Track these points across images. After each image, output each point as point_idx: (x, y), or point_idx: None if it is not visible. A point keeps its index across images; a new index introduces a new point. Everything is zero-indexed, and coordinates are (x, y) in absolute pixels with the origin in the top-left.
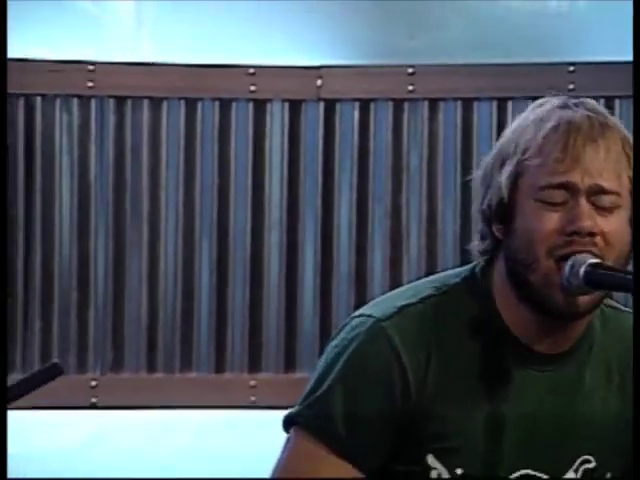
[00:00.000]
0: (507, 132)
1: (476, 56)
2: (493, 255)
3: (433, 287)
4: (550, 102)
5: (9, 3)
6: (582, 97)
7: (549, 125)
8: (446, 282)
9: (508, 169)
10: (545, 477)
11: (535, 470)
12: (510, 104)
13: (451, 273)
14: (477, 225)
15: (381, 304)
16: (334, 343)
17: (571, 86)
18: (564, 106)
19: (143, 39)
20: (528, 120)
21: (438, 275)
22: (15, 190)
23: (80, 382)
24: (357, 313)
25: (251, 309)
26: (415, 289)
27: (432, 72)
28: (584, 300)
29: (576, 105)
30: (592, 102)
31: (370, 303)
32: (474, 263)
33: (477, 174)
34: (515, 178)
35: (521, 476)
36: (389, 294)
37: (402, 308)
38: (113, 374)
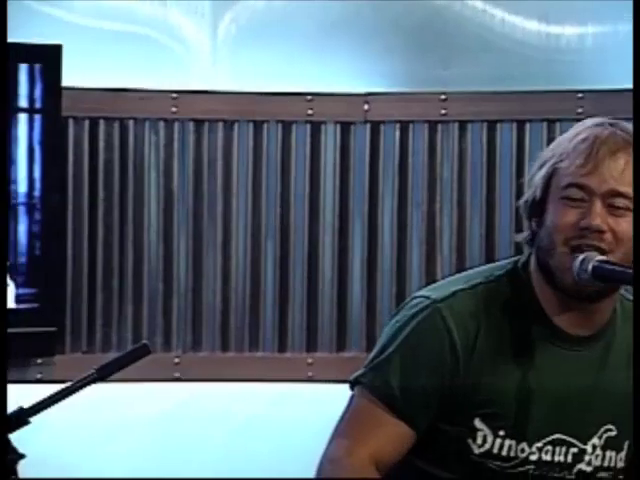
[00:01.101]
0: (552, 144)
1: (499, 85)
2: (530, 252)
3: (482, 276)
4: (589, 121)
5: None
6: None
7: (580, 137)
8: (493, 272)
9: (544, 171)
10: (574, 441)
11: (565, 435)
12: (528, 125)
13: (497, 265)
14: (504, 221)
15: (438, 288)
16: (396, 318)
17: (579, 110)
18: (599, 124)
19: (217, 71)
20: (568, 134)
21: (487, 266)
22: (111, 199)
23: (165, 360)
24: (417, 294)
25: (308, 298)
26: (467, 277)
27: (461, 98)
28: (591, 287)
29: (610, 124)
30: (625, 123)
31: (429, 287)
32: (516, 257)
33: (526, 178)
34: (548, 179)
35: (553, 439)
36: (445, 280)
37: (455, 292)
38: (192, 353)
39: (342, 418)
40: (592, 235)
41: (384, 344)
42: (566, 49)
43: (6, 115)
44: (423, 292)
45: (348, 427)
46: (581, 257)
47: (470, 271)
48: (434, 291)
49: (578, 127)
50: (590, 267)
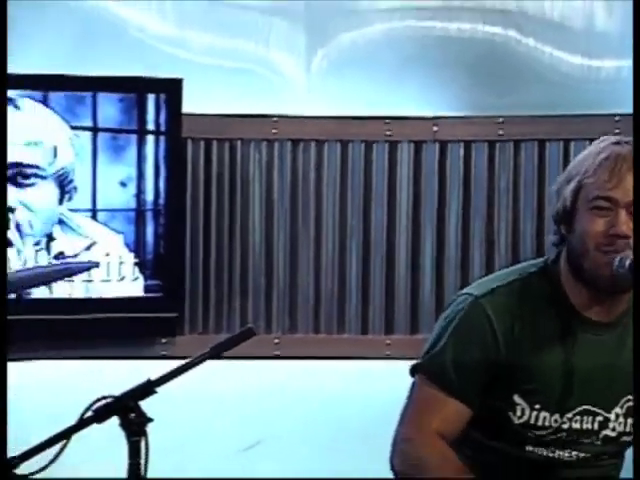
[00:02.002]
0: (575, 160)
1: (548, 109)
2: (560, 250)
3: (517, 273)
4: (608, 140)
5: None
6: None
7: (603, 155)
8: (527, 270)
9: (572, 185)
10: (599, 411)
11: (591, 406)
12: (572, 144)
13: (530, 263)
14: (550, 225)
15: (479, 285)
16: (446, 314)
17: (617, 130)
18: (617, 143)
19: (311, 99)
20: (590, 152)
21: (521, 265)
22: (222, 206)
23: (267, 340)
24: (462, 292)
25: (386, 289)
26: (504, 275)
27: (516, 121)
28: (625, 281)
29: (627, 142)
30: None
31: (472, 284)
32: (546, 257)
33: (552, 189)
34: (576, 192)
35: (582, 410)
36: (485, 278)
37: (494, 289)
38: (290, 334)
39: (407, 404)
40: (619, 241)
41: (437, 336)
42: (605, 79)
43: (6, 114)
44: (467, 289)
45: (414, 410)
46: (618, 257)
47: (507, 269)
48: (476, 288)
49: (598, 145)
50: (627, 263)
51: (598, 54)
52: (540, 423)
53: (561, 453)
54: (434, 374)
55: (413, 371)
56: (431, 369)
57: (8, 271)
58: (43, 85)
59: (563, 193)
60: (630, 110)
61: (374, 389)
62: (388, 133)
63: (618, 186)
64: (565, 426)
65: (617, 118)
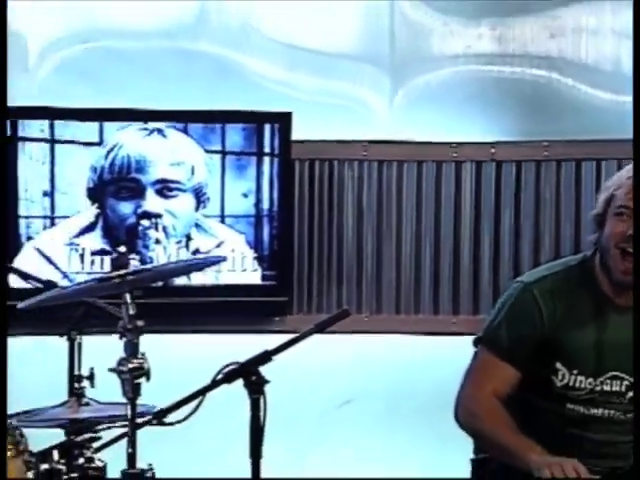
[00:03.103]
0: (611, 178)
1: (583, 135)
2: (596, 247)
3: (561, 265)
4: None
5: None
6: None
7: (629, 174)
8: (568, 263)
9: (604, 196)
10: (625, 376)
11: (619, 372)
12: (603, 164)
13: (571, 258)
14: (587, 229)
15: (529, 275)
16: (503, 298)
17: None
18: None
19: (394, 127)
20: (621, 171)
21: (564, 259)
22: (322, 213)
23: (358, 319)
24: (515, 280)
25: (453, 279)
26: (550, 266)
27: (557, 145)
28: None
29: None
30: None
31: (525, 274)
32: (584, 253)
33: (599, 196)
34: (607, 201)
35: (611, 375)
36: (535, 269)
37: (541, 277)
38: (376, 314)
39: (469, 368)
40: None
41: (495, 314)
42: (629, 111)
43: (5, 117)
44: (519, 278)
45: (475, 374)
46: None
47: (553, 262)
48: (527, 277)
49: (627, 167)
50: None
51: (624, 91)
52: (577, 385)
53: (595, 410)
54: (492, 344)
55: (476, 342)
56: (490, 340)
57: (156, 264)
58: (184, 118)
59: (598, 201)
60: None
61: (443, 359)
62: (454, 155)
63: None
64: (597, 388)
65: None
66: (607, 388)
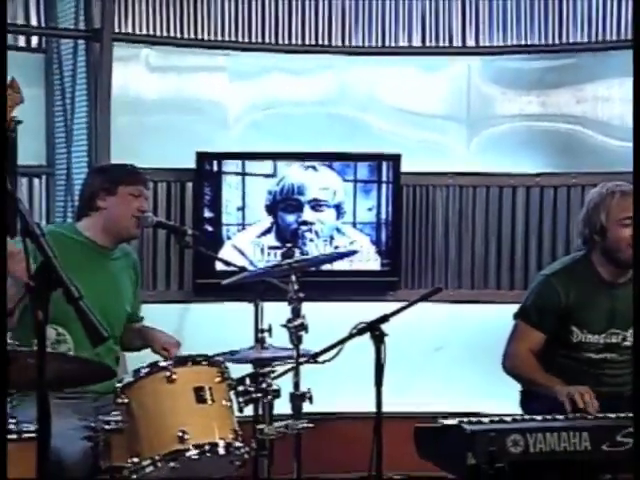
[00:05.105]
0: (592, 201)
1: (600, 168)
2: (588, 248)
3: (570, 259)
4: (610, 185)
5: None
6: None
7: (618, 195)
8: (574, 258)
9: (604, 213)
10: (620, 331)
11: (616, 329)
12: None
13: (576, 254)
14: (580, 232)
15: (550, 267)
16: (532, 286)
17: None
18: (618, 185)
19: (470, 162)
20: (602, 193)
21: (571, 255)
22: (421, 223)
23: (446, 293)
24: (540, 272)
25: (511, 267)
26: (564, 261)
27: (582, 175)
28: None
29: (618, 185)
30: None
31: (547, 267)
32: (584, 251)
33: (583, 211)
34: (607, 216)
35: (611, 332)
36: (555, 262)
37: (558, 269)
38: (458, 289)
39: (511, 335)
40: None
41: (527, 298)
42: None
43: (5, 113)
44: (543, 271)
45: (514, 339)
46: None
47: (566, 257)
48: (547, 270)
49: (605, 188)
50: None
51: (628, 139)
52: (588, 340)
53: (601, 355)
54: (526, 316)
55: (515, 316)
56: (524, 314)
57: (311, 256)
58: (329, 158)
59: (594, 219)
60: None
61: (505, 320)
62: (511, 182)
63: (632, 209)
64: (602, 341)
65: None
66: (608, 340)
